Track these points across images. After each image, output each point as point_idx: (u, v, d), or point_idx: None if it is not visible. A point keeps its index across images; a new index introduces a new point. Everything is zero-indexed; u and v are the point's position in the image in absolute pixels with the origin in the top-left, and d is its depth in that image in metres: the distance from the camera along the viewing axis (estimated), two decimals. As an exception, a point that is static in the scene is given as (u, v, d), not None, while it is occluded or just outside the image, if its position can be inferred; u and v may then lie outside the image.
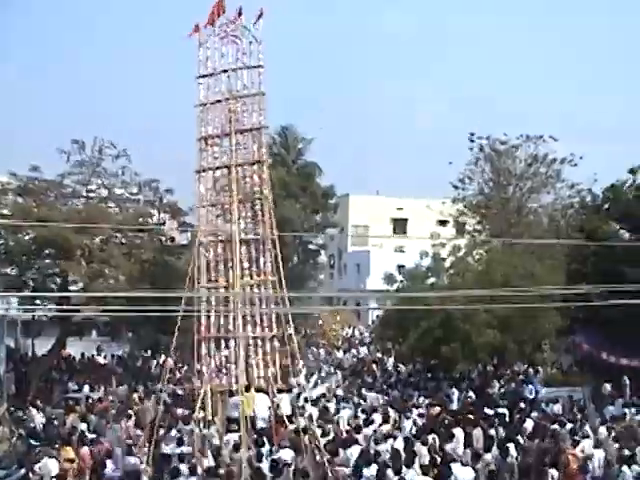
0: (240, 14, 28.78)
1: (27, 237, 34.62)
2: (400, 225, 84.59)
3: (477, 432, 25.15)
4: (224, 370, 25.91)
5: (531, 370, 39.55)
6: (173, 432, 24.94)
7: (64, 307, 32.70)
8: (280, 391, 26.27)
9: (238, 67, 28.13)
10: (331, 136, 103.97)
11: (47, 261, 34.96)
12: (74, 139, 36.15)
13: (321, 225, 59.61)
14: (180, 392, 32.77)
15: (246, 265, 26.83)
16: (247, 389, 25.19)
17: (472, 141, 48.88)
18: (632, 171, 39.26)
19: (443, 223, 57.18)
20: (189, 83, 28.68)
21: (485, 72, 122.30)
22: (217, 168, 28.03)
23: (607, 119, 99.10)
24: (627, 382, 34.98)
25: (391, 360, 46.11)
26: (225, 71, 28.21)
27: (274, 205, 27.80)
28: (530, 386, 35.88)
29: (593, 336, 37.07)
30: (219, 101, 28.24)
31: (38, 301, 36.75)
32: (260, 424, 25.53)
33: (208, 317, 26.16)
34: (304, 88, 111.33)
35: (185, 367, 36.87)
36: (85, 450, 23.23)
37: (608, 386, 34.50)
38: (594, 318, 33.57)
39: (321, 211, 59.17)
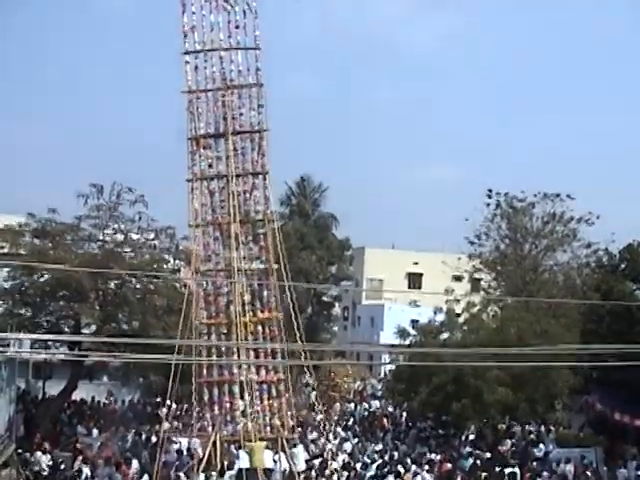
0: None
1: (42, 279, 34.61)
2: (415, 279, 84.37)
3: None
4: (228, 418, 24.87)
5: (543, 429, 39.13)
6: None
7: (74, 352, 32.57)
8: (294, 444, 25.30)
9: (231, 47, 25.41)
10: (347, 188, 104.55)
11: (61, 303, 34.90)
12: (92, 183, 36.24)
13: (336, 277, 59.47)
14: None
15: (248, 299, 24.93)
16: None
17: (490, 197, 48.92)
18: (649, 230, 39.17)
19: (458, 279, 56.93)
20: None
21: (509, 129, 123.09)
22: (212, 178, 25.57)
23: (625, 177, 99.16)
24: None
25: (403, 414, 45.77)
26: (216, 49, 25.39)
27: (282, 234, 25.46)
28: (541, 445, 35.51)
29: (607, 396, 36.65)
30: (211, 90, 25.50)
31: (50, 343, 36.68)
32: (277, 478, 24.70)
33: (209, 360, 24.34)
34: (317, 140, 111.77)
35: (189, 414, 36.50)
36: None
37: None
38: (608, 378, 33.26)
39: (336, 263, 59.12)
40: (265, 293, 25.31)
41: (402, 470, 28.31)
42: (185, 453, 29.10)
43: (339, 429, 41.09)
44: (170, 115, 76.22)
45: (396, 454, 33.52)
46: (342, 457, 31.02)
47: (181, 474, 25.07)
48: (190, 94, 25.74)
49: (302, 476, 24.73)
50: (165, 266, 38.85)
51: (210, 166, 25.72)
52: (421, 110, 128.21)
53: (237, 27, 25.59)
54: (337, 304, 65.48)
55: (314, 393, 35.57)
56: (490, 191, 48.88)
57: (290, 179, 61.46)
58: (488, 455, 33.11)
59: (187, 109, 25.75)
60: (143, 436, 34.47)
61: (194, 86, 25.77)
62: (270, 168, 25.94)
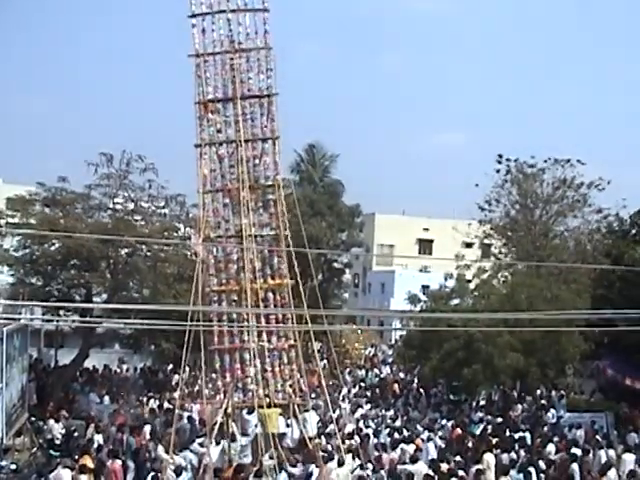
0: None
1: (53, 248, 34.68)
2: (426, 245, 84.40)
3: (505, 456, 24.96)
4: (240, 384, 24.94)
5: (554, 394, 39.25)
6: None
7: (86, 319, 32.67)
8: (305, 410, 25.36)
9: (239, 9, 24.91)
10: (357, 154, 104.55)
11: (72, 272, 34.93)
12: (102, 152, 36.12)
13: (346, 244, 59.38)
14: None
15: (258, 266, 24.64)
16: (267, 405, 24.55)
17: (500, 163, 48.64)
18: (660, 196, 39.02)
19: (469, 245, 56.85)
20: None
21: (517, 96, 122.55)
22: (221, 143, 25.03)
23: (636, 142, 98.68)
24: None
25: (414, 380, 45.92)
26: (223, 11, 24.90)
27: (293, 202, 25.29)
28: (552, 410, 35.62)
29: (617, 361, 36.73)
30: (218, 53, 25.01)
31: (62, 312, 36.82)
32: (289, 443, 24.80)
33: (220, 327, 24.21)
34: (329, 104, 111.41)
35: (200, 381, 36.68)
36: (117, 464, 22.98)
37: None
38: (619, 343, 33.30)
39: (347, 230, 59.00)
40: (275, 260, 25.08)
41: (413, 436, 28.41)
42: (197, 420, 29.33)
43: (350, 395, 41.30)
44: (177, 80, 75.90)
45: (407, 420, 33.69)
46: (353, 423, 31.14)
47: (194, 443, 25.13)
48: (197, 58, 25.16)
49: (313, 441, 24.74)
50: (175, 234, 38.80)
51: (219, 131, 25.12)
52: (430, 76, 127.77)
53: None
54: (347, 271, 65.45)
55: (324, 361, 35.61)
56: (500, 157, 48.57)
57: (300, 146, 61.72)
58: (499, 420, 33.23)
59: (194, 73, 25.19)
60: (155, 403, 34.70)
61: (201, 49, 25.20)
62: (280, 134, 25.43)
